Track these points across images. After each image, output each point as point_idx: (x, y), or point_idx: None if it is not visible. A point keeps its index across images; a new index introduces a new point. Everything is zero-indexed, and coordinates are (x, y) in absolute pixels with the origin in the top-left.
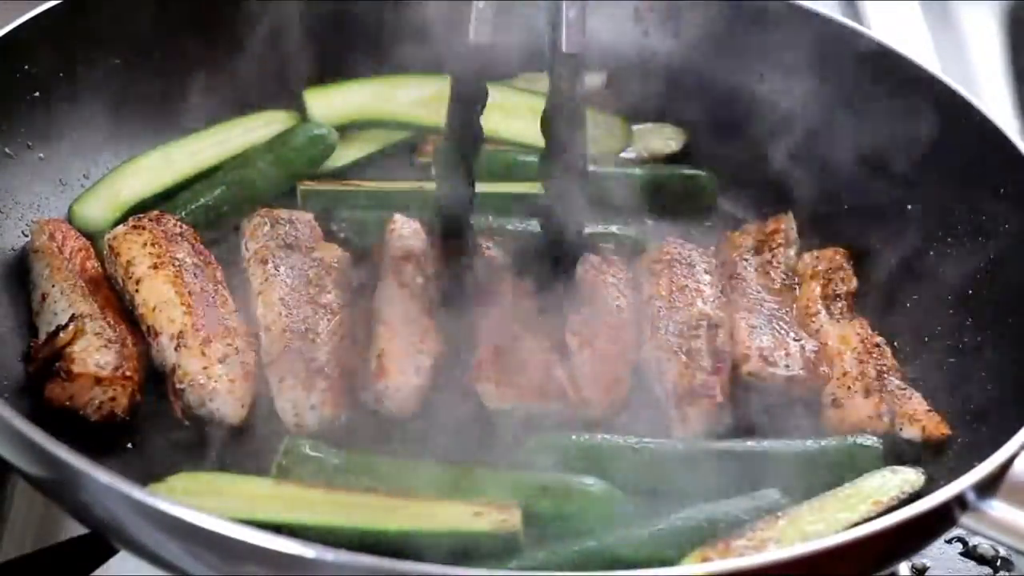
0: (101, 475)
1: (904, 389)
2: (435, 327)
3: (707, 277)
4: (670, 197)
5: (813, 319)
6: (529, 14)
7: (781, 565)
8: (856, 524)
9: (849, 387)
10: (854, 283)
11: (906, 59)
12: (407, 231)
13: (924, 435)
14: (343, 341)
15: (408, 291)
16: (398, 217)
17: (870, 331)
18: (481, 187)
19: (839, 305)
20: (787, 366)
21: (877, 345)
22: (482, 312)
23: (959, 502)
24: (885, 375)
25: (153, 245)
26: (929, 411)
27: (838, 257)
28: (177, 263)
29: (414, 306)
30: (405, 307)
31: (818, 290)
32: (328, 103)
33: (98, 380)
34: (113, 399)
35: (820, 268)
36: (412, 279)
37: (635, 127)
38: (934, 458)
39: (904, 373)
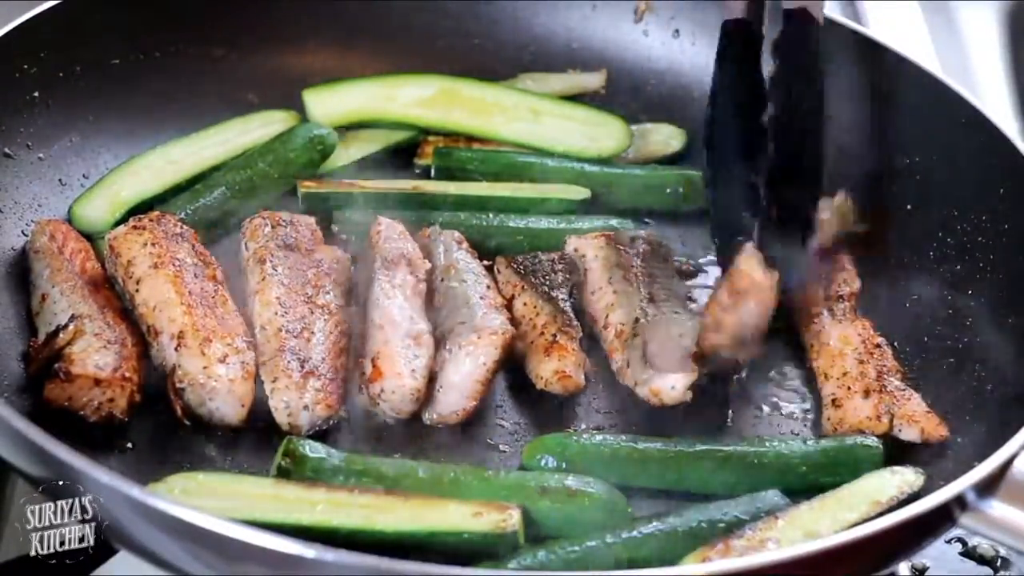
0: (101, 475)
1: (903, 390)
2: (429, 328)
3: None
4: (670, 197)
5: (815, 320)
6: (530, 15)
7: (781, 565)
8: (856, 524)
9: (849, 388)
10: (857, 284)
11: (906, 59)
12: (393, 233)
13: (923, 436)
14: (339, 342)
15: (402, 292)
16: (382, 219)
17: (872, 332)
18: (481, 188)
19: (842, 306)
20: None
21: (878, 346)
22: None
23: (959, 502)
24: (885, 376)
25: (153, 245)
26: (928, 412)
27: (841, 258)
28: (177, 263)
29: (408, 307)
30: (399, 309)
31: (820, 291)
32: (328, 103)
33: (97, 381)
34: (112, 400)
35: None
36: (405, 280)
37: (635, 127)
38: (934, 458)
39: (904, 373)
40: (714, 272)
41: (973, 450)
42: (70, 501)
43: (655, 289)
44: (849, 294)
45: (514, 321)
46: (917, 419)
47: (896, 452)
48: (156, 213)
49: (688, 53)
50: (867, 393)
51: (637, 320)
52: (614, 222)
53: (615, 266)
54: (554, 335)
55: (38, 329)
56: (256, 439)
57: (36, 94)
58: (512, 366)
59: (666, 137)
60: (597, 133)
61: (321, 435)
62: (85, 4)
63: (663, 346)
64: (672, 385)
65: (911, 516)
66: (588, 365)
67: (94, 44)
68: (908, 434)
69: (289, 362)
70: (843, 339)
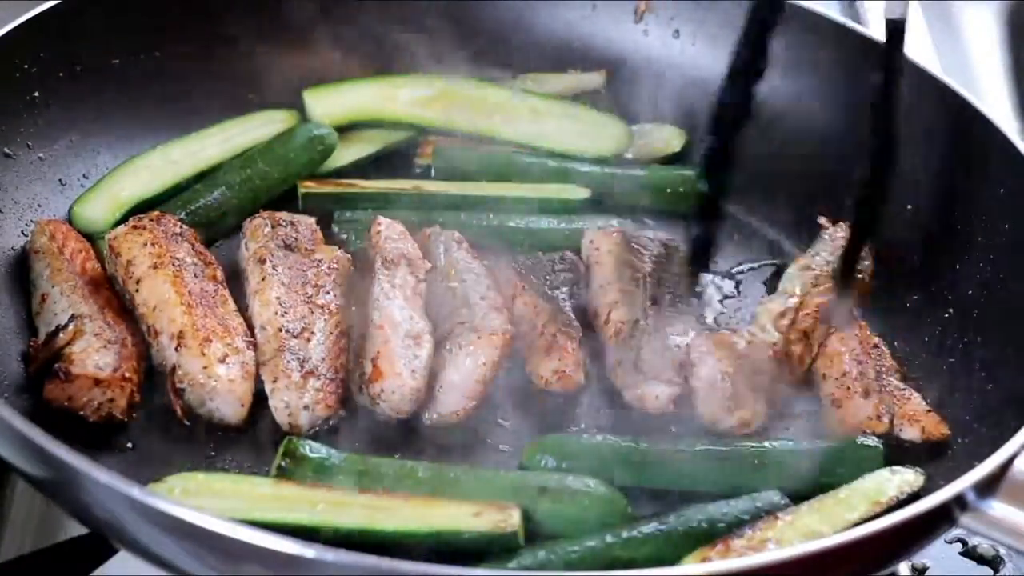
0: (101, 475)
1: (903, 389)
2: (429, 328)
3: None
4: (670, 197)
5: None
6: (530, 15)
7: (781, 565)
8: (856, 524)
9: (848, 388)
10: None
11: (906, 59)
12: (393, 233)
13: (924, 435)
14: (339, 342)
15: (402, 292)
16: (382, 219)
17: (868, 332)
18: (482, 188)
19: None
20: None
21: (875, 346)
22: None
23: (959, 502)
24: (884, 375)
25: (153, 245)
26: (928, 411)
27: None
28: (177, 263)
29: (408, 307)
30: (399, 309)
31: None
32: (328, 103)
33: (97, 381)
34: (112, 400)
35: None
36: (405, 280)
37: (635, 127)
38: (934, 458)
39: (904, 373)
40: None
41: (973, 450)
42: (70, 501)
43: (661, 293)
44: None
45: (514, 321)
46: (918, 418)
47: (896, 452)
48: (156, 213)
49: (688, 53)
50: (867, 393)
51: (637, 321)
52: (614, 222)
53: (625, 264)
54: (554, 335)
55: (38, 329)
56: (256, 439)
57: (36, 94)
58: (512, 366)
59: (666, 137)
60: (597, 133)
61: (321, 435)
62: (85, 4)
63: (656, 353)
64: (657, 395)
65: (911, 516)
66: (588, 365)
67: (94, 44)
68: (909, 433)
69: (289, 362)
70: (841, 340)
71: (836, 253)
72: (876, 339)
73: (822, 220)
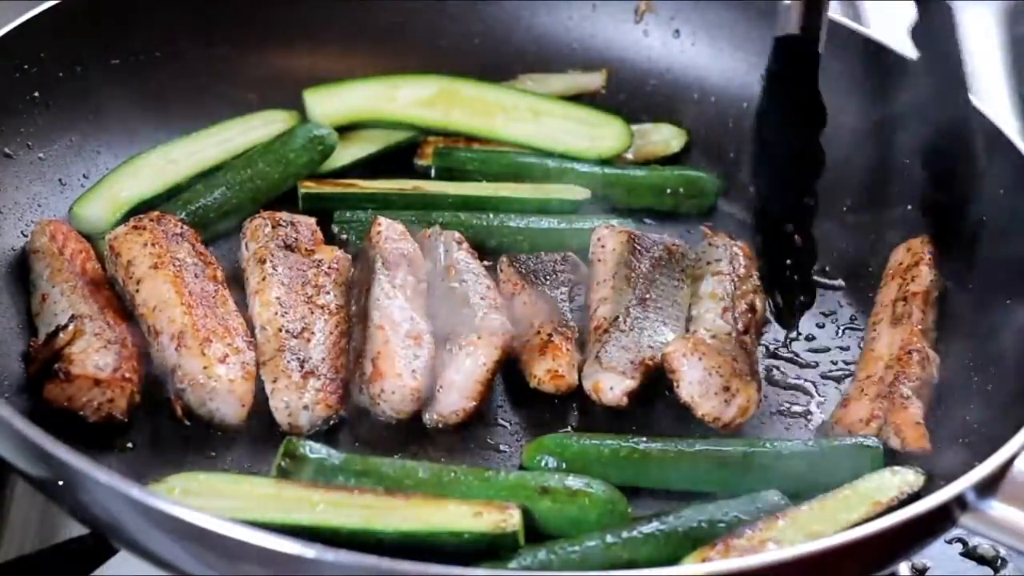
0: (101, 475)
1: (907, 398)
2: (429, 328)
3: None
4: (670, 197)
5: (875, 327)
6: (530, 15)
7: (781, 565)
8: (856, 524)
9: (863, 390)
10: (925, 282)
11: (906, 59)
12: (393, 233)
13: (904, 446)
14: (339, 342)
15: (402, 292)
16: (382, 219)
17: (914, 338)
18: (482, 188)
19: (904, 308)
20: None
21: (908, 353)
22: None
23: (959, 502)
24: (899, 382)
25: (154, 245)
26: (917, 424)
27: (923, 248)
28: (177, 263)
29: (408, 308)
30: (399, 309)
31: (894, 292)
32: (328, 103)
33: (97, 382)
34: (112, 400)
35: (905, 263)
36: (405, 280)
37: (635, 127)
38: (934, 458)
39: (924, 380)
40: None
41: (973, 450)
42: (70, 501)
43: (652, 294)
44: (912, 294)
45: (513, 321)
46: (903, 429)
47: (896, 452)
48: (156, 213)
49: (688, 53)
50: (875, 397)
51: (617, 318)
52: (614, 222)
53: (623, 263)
54: (549, 335)
55: (38, 329)
56: (256, 439)
57: (36, 94)
58: (512, 366)
59: (666, 137)
60: (597, 133)
61: (321, 435)
62: (85, 4)
63: (621, 348)
64: (611, 387)
65: (911, 516)
66: None
67: (94, 44)
68: (893, 442)
69: (289, 362)
70: (889, 346)
71: (735, 260)
72: (917, 346)
73: (705, 230)
